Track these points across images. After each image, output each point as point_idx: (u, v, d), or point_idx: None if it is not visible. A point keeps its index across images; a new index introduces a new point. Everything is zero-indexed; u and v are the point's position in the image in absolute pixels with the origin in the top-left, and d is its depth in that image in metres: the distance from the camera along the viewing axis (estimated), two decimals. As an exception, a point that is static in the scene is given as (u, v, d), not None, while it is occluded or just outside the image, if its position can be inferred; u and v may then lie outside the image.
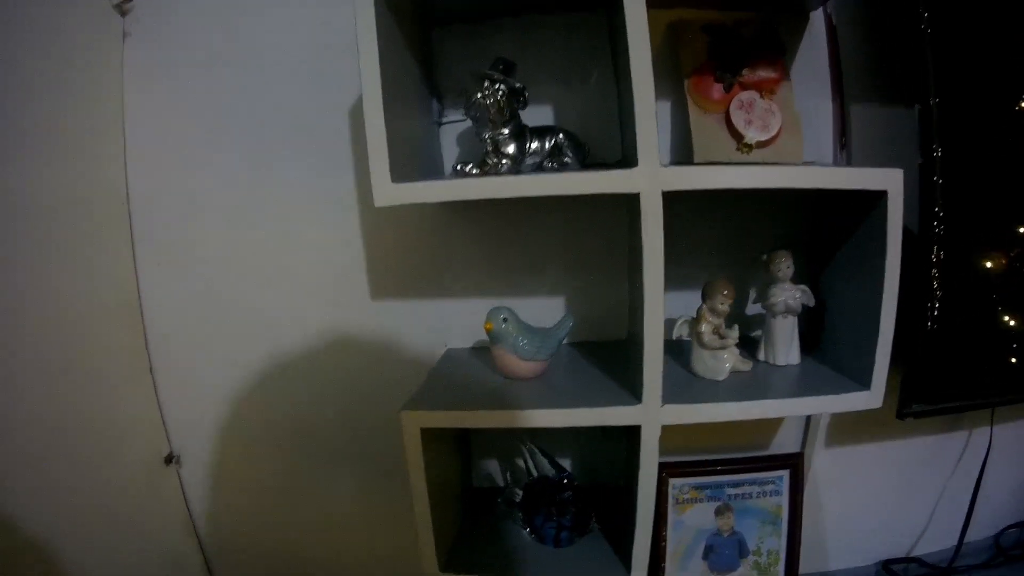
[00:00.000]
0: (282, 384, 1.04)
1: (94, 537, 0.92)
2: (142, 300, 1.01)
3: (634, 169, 0.67)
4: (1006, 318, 0.93)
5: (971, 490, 1.05)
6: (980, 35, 0.85)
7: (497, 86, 0.76)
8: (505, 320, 0.79)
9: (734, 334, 0.80)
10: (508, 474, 0.94)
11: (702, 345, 0.80)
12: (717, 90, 0.85)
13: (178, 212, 0.99)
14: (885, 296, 0.73)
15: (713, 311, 0.80)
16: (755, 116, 0.84)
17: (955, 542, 1.08)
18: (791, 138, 0.85)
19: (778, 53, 0.88)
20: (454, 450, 0.95)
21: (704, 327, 0.80)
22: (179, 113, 0.98)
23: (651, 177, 0.67)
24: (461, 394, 0.80)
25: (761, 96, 0.86)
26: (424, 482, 0.78)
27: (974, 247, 0.89)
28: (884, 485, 1.10)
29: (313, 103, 0.94)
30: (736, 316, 0.88)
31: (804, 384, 0.80)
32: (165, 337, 1.03)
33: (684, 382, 0.81)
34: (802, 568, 1.04)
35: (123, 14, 0.96)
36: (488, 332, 0.80)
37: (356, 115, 0.93)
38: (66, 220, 0.89)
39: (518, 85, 0.78)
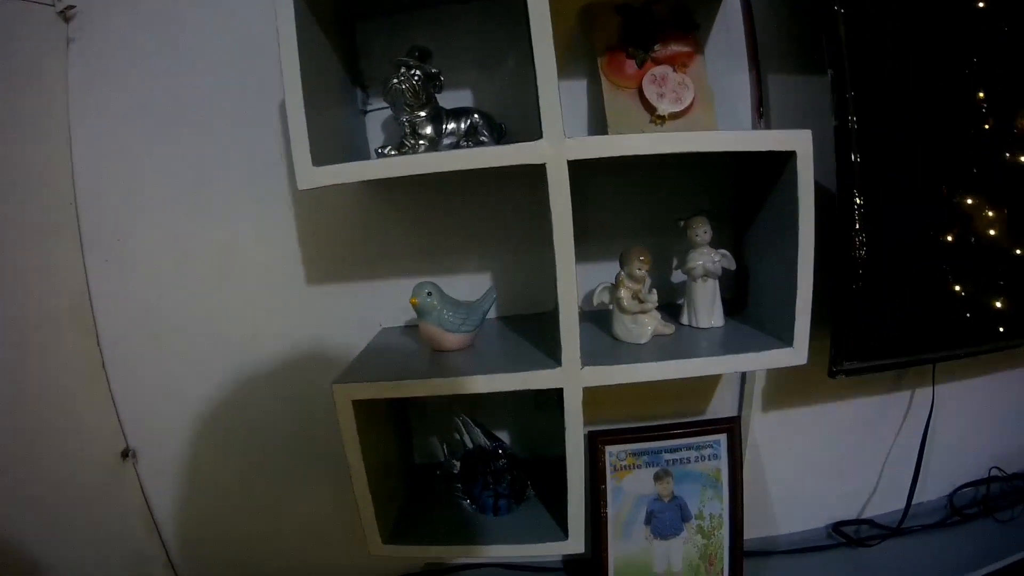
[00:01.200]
0: (229, 375, 1.08)
1: (54, 533, 0.95)
2: (92, 298, 1.05)
3: (539, 141, 0.72)
4: (934, 276, 0.97)
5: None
6: (886, 10, 0.91)
7: (412, 72, 0.81)
8: (429, 294, 0.83)
9: (653, 298, 0.84)
10: (446, 447, 0.98)
11: (622, 310, 0.84)
12: (630, 66, 0.90)
13: (124, 212, 1.03)
14: (800, 253, 0.77)
15: (631, 276, 0.84)
16: (668, 89, 0.89)
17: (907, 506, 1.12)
18: (704, 109, 0.90)
19: (691, 29, 0.93)
20: (393, 427, 0.99)
21: (623, 292, 0.84)
22: (122, 115, 1.02)
23: (555, 147, 0.71)
24: (390, 367, 0.84)
25: (674, 70, 0.90)
26: (360, 455, 0.82)
27: (893, 205, 0.93)
28: (830, 448, 1.14)
29: (246, 100, 0.99)
30: (661, 284, 0.92)
31: (727, 344, 0.84)
32: (116, 334, 1.07)
33: (607, 347, 0.85)
34: (752, 533, 1.08)
35: (67, 20, 1.01)
36: (414, 307, 0.84)
37: (285, 113, 0.97)
38: (14, 222, 0.93)
39: (433, 70, 0.83)
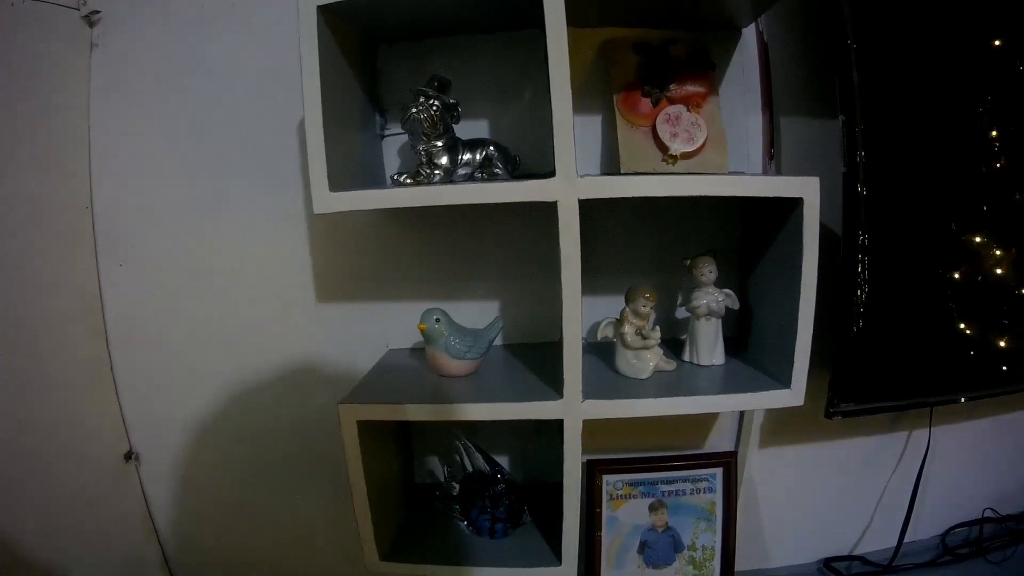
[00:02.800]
0: (236, 385, 1.12)
1: (54, 534, 0.98)
2: (104, 303, 1.09)
3: (552, 179, 0.75)
4: (933, 322, 1.01)
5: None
6: (900, 50, 0.94)
7: (431, 102, 0.84)
8: (438, 320, 0.87)
9: (656, 335, 0.87)
10: (446, 469, 1.02)
11: (625, 345, 0.88)
12: (645, 105, 0.93)
13: (139, 219, 1.07)
14: (803, 297, 0.80)
15: (636, 313, 0.87)
16: (681, 129, 0.92)
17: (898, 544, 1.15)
18: (716, 150, 0.93)
19: (707, 69, 0.97)
20: (395, 447, 1.03)
21: (627, 328, 0.87)
22: (142, 124, 1.06)
23: (567, 186, 0.75)
24: (396, 390, 0.88)
25: (688, 110, 0.94)
26: (362, 473, 0.85)
27: (897, 251, 0.96)
28: (824, 485, 1.17)
29: (267, 116, 1.02)
30: (665, 321, 0.96)
31: (726, 383, 0.87)
32: (125, 338, 1.11)
33: (609, 381, 0.88)
34: (743, 565, 1.11)
35: (91, 25, 1.04)
36: (422, 332, 0.88)
37: (304, 133, 1.01)
38: (31, 226, 0.97)
39: (451, 101, 0.86)
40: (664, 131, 0.92)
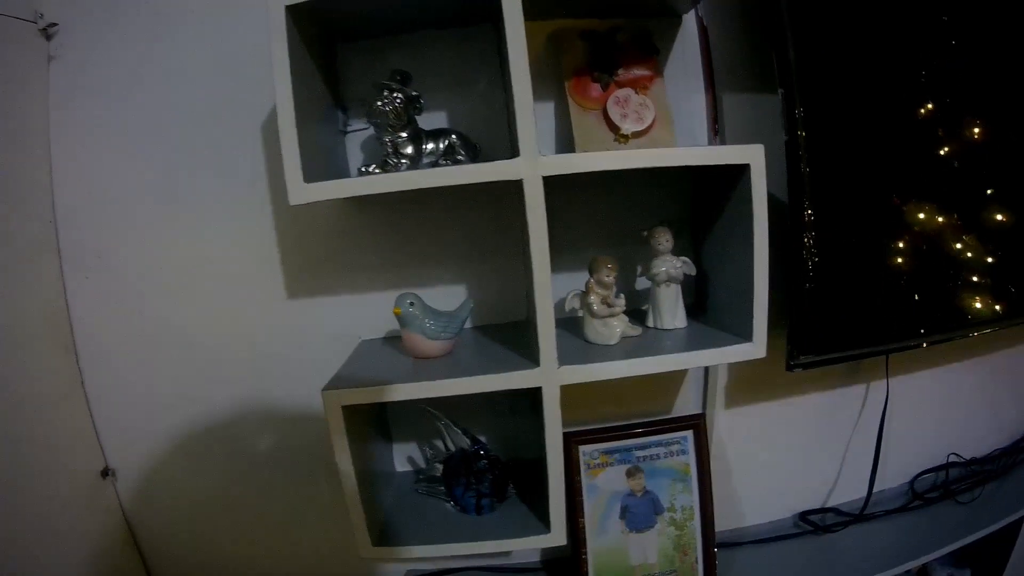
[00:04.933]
0: (208, 391, 1.15)
1: (33, 554, 0.99)
2: (71, 314, 1.11)
3: (516, 159, 0.82)
4: (881, 274, 1.11)
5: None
6: (831, 26, 1.05)
7: (395, 94, 0.91)
8: (412, 304, 0.93)
9: (621, 302, 0.95)
10: (428, 451, 1.07)
11: (592, 315, 0.95)
12: (595, 89, 1.02)
13: (104, 226, 1.09)
14: (756, 254, 0.88)
15: (600, 283, 0.95)
16: (630, 110, 1.01)
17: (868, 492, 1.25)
18: (664, 128, 1.02)
19: (651, 53, 1.06)
20: (376, 437, 1.07)
21: (593, 298, 0.95)
22: (103, 132, 1.08)
23: (531, 164, 0.82)
24: (376, 375, 0.92)
25: (636, 92, 1.03)
26: (349, 459, 0.90)
27: (841, 209, 1.06)
28: (792, 441, 1.27)
29: (227, 117, 1.06)
30: (626, 293, 1.02)
31: (690, 342, 0.95)
32: (95, 350, 1.12)
33: (580, 349, 0.95)
34: (721, 526, 1.19)
35: (48, 38, 1.06)
36: (397, 316, 0.93)
37: (266, 130, 1.07)
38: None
39: (414, 93, 0.93)
40: (615, 113, 1.01)
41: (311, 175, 0.83)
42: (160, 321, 1.12)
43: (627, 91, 1.02)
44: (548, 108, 1.08)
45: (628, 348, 0.94)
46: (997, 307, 1.16)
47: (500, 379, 0.88)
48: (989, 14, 1.13)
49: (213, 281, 1.12)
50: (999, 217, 1.16)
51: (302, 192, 0.82)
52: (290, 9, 0.77)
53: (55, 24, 1.06)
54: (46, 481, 1.05)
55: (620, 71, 1.03)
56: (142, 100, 1.08)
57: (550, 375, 0.87)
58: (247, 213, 1.09)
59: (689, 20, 1.11)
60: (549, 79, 1.05)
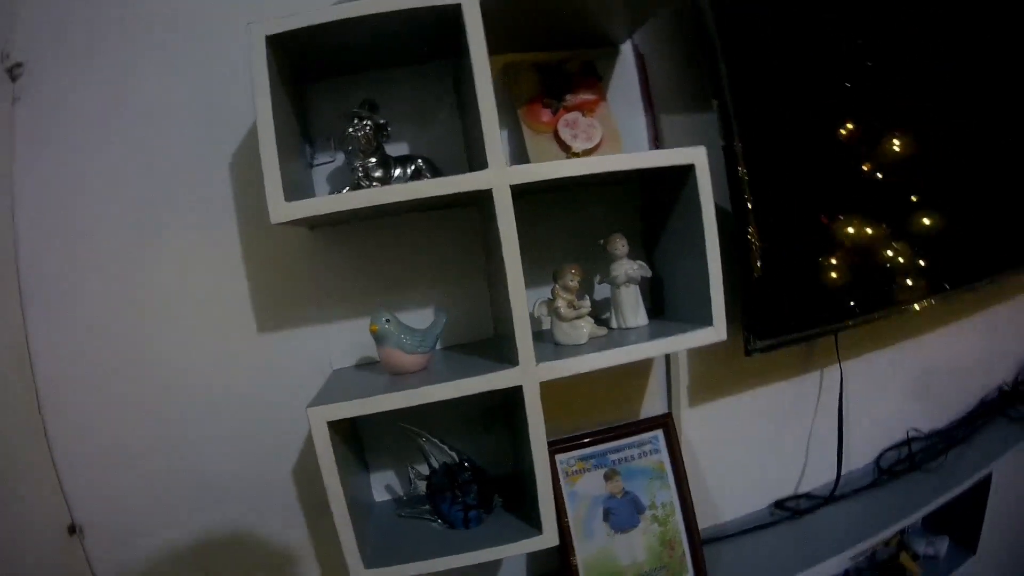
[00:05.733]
0: (178, 432, 1.13)
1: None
2: (33, 362, 1.08)
3: (485, 170, 0.90)
4: (824, 261, 1.24)
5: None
6: (758, 43, 1.20)
7: (365, 122, 0.98)
8: (388, 321, 0.96)
9: (586, 303, 1.02)
10: (411, 472, 1.06)
11: (560, 318, 1.01)
12: (546, 114, 1.12)
13: (67, 266, 1.08)
14: (708, 245, 0.97)
15: (565, 288, 1.02)
16: (580, 131, 1.11)
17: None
18: (611, 145, 1.13)
19: (596, 80, 1.17)
20: (355, 465, 1.07)
21: (560, 302, 1.01)
22: (67, 171, 1.08)
23: (499, 174, 0.89)
24: (357, 391, 0.94)
25: (583, 115, 1.13)
26: (337, 477, 0.90)
27: (779, 203, 1.19)
28: (757, 434, 1.35)
29: (195, 155, 1.10)
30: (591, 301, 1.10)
31: (655, 334, 1.02)
32: (59, 400, 1.09)
33: (552, 351, 1.00)
34: (700, 523, 1.23)
35: (13, 80, 1.06)
36: (373, 334, 0.96)
37: (236, 166, 1.11)
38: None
39: (382, 121, 1.00)
40: (566, 133, 1.11)
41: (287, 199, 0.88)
42: (126, 363, 1.11)
43: (575, 114, 1.13)
44: (502, 135, 1.16)
45: (597, 346, 1.00)
46: (925, 284, 1.30)
47: (482, 381, 0.92)
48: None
49: (181, 319, 1.12)
50: (927, 209, 1.34)
51: (283, 210, 0.86)
52: (269, 39, 0.84)
53: (20, 64, 1.06)
54: (10, 542, 1.01)
55: (568, 97, 1.14)
56: (110, 136, 1.09)
57: (530, 373, 0.92)
58: (213, 251, 1.11)
59: (627, 49, 1.24)
60: (502, 107, 1.13)
